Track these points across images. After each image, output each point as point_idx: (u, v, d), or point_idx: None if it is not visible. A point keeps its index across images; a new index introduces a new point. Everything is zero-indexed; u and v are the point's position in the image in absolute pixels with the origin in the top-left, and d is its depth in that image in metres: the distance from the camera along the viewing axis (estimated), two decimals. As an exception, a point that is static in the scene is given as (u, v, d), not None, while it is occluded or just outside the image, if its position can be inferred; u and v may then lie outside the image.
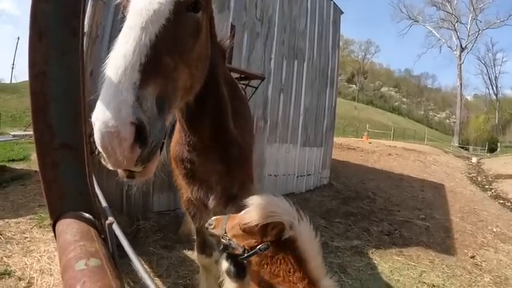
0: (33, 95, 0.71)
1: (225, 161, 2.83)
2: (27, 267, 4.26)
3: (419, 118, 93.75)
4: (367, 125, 49.01)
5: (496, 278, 5.41)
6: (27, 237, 5.22)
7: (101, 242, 0.79)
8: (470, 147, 48.59)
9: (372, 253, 5.69)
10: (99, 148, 1.18)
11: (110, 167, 1.24)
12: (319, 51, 10.22)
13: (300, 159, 9.84)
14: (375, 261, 5.37)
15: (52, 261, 4.48)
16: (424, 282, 4.82)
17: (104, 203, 1.31)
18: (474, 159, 27.74)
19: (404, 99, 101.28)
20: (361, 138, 35.73)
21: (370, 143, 29.07)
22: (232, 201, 3.12)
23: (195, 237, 3.63)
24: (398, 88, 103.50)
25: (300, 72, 9.47)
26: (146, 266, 4.60)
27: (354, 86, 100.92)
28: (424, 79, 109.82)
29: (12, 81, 40.25)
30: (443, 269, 5.49)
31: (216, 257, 3.60)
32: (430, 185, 13.62)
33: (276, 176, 8.95)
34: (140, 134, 1.21)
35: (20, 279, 4.00)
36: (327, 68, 10.72)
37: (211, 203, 3.16)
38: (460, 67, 58.29)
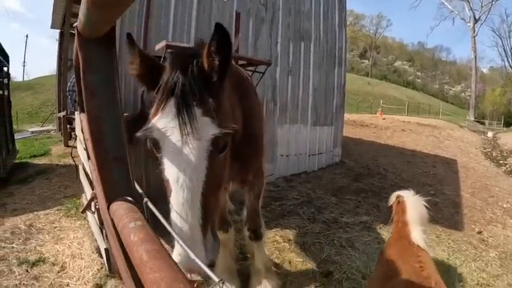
0: (92, 132, 0.98)
1: (241, 158, 3.06)
2: (59, 254, 4.59)
3: (434, 92, 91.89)
4: (381, 101, 48.46)
5: (502, 253, 5.45)
6: (56, 227, 5.60)
7: (140, 213, 1.05)
8: (486, 122, 47.64)
9: (380, 228, 5.84)
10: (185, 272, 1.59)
11: None
12: (326, 31, 10.21)
13: (311, 138, 9.97)
14: (382, 236, 5.51)
15: (82, 247, 4.81)
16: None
17: (140, 191, 1.64)
18: (490, 134, 27.16)
19: (419, 73, 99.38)
20: (375, 114, 35.40)
21: (384, 118, 28.73)
22: (248, 183, 3.67)
23: None
24: (412, 62, 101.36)
25: (307, 54, 9.53)
26: (167, 246, 4.89)
27: (366, 61, 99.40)
28: (438, 52, 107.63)
29: (25, 79, 40.49)
30: (449, 243, 5.57)
31: (232, 233, 4.01)
32: (442, 160, 13.51)
33: (287, 156, 9.13)
34: (211, 264, 1.72)
35: (53, 264, 4.35)
36: (335, 48, 10.71)
37: (230, 188, 3.66)
38: (474, 39, 56.70)
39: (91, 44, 0.99)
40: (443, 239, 5.74)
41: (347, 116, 29.71)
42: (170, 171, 1.70)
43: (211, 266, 1.70)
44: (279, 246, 5.13)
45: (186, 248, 1.56)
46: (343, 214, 6.53)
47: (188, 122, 1.64)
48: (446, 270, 4.60)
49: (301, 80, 9.42)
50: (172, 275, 0.74)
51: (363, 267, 4.53)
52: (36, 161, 10.82)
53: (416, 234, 3.26)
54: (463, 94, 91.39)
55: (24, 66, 60.28)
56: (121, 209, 0.99)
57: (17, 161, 10.43)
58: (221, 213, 3.89)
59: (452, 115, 45.22)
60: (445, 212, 7.18)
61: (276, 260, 4.74)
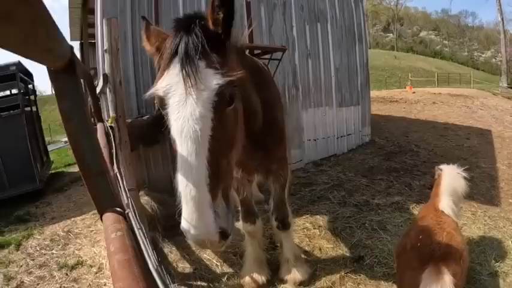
0: (75, 151, 1.01)
1: (263, 147, 3.14)
2: (96, 256, 4.74)
3: (464, 60, 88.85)
4: (410, 74, 47.32)
5: None
6: (92, 230, 5.79)
7: (123, 223, 1.03)
8: (521, 86, 45.58)
9: (413, 208, 5.66)
10: (193, 244, 1.71)
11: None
12: (342, 9, 9.94)
13: (338, 120, 9.80)
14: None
15: (118, 247, 4.97)
16: (463, 235, 4.67)
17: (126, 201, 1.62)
18: None
19: (446, 42, 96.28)
20: (405, 88, 34.58)
21: (413, 92, 28.04)
22: (273, 174, 3.70)
23: (239, 208, 3.94)
24: (437, 31, 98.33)
25: (324, 34, 9.30)
26: None
27: (391, 34, 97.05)
28: (463, 18, 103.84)
29: (53, 92, 42.03)
30: (485, 220, 5.29)
31: (259, 224, 4.00)
32: (476, 131, 12.93)
33: (315, 140, 9.04)
34: (223, 235, 1.63)
35: (91, 266, 4.52)
36: (353, 25, 10.43)
37: (255, 179, 3.83)
38: (499, 1, 54.24)
39: (59, 75, 0.99)
40: (479, 216, 5.46)
41: (376, 93, 29.29)
42: (175, 125, 1.68)
43: (223, 236, 1.64)
44: (309, 233, 5.06)
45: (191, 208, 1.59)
46: (375, 196, 6.38)
47: (192, 74, 1.65)
48: (482, 250, 4.37)
49: (322, 62, 9.23)
50: (133, 285, 0.70)
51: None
52: (71, 169, 11.22)
53: (445, 204, 3.33)
54: (494, 60, 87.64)
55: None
56: (108, 220, 1.00)
57: (52, 171, 10.83)
58: (247, 205, 3.92)
59: (484, 83, 43.54)
60: (481, 186, 6.83)
61: (306, 248, 4.69)
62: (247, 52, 5.26)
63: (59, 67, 0.96)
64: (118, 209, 1.03)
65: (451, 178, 3.55)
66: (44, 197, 8.27)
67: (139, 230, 1.35)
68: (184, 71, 1.66)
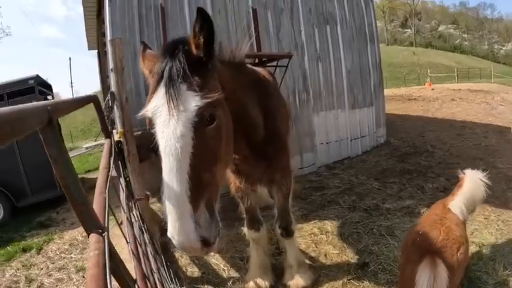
0: (63, 185, 1.18)
1: (266, 157, 3.25)
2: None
3: (484, 54, 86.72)
4: (429, 70, 46.57)
5: None
6: (110, 235, 5.98)
7: (102, 243, 1.16)
8: (544, 80, 44.40)
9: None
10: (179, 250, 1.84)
11: None
12: (351, 9, 9.93)
13: (351, 122, 9.80)
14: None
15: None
16: (473, 242, 4.51)
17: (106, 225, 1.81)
18: None
19: (465, 35, 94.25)
20: (424, 85, 34.06)
21: (433, 89, 27.60)
22: (276, 184, 3.81)
23: (244, 215, 4.11)
24: (456, 24, 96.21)
25: (334, 37, 9.32)
26: None
27: (408, 30, 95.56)
28: (482, 10, 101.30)
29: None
30: (498, 225, 5.08)
31: (264, 231, 4.11)
32: (494, 129, 12.56)
33: (328, 143, 9.07)
34: (205, 242, 1.77)
35: None
36: (363, 25, 10.40)
37: (259, 189, 3.96)
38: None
39: (44, 130, 1.16)
40: (492, 220, 5.26)
41: (394, 91, 28.97)
42: (160, 143, 1.86)
43: (205, 244, 1.78)
44: (316, 238, 5.11)
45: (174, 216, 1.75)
46: (386, 200, 6.36)
47: (174, 96, 1.82)
48: (492, 257, 4.25)
49: (332, 64, 9.25)
50: None
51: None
52: (90, 175, 11.47)
53: (455, 203, 3.39)
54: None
55: (72, 86, 63.11)
56: (91, 239, 1.14)
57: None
58: (252, 213, 4.06)
59: (506, 77, 42.49)
60: (496, 188, 6.29)
61: (312, 253, 4.75)
62: (253, 61, 5.35)
63: (42, 127, 1.11)
64: (100, 230, 1.18)
65: (472, 183, 3.61)
66: (65, 203, 8.52)
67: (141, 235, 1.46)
68: (168, 94, 1.84)
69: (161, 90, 1.89)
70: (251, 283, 4.03)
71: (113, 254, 1.23)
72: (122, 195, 2.93)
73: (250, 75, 3.29)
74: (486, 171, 6.66)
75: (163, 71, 1.91)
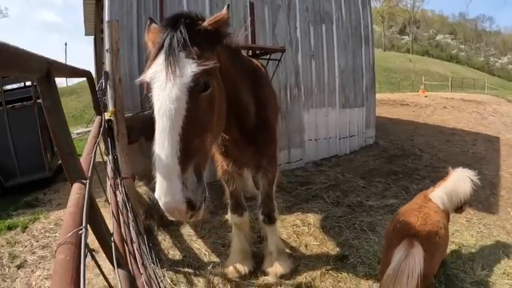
0: (53, 135, 1.30)
1: (255, 143, 3.37)
2: (95, 240, 4.93)
3: (480, 65, 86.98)
4: (423, 78, 46.83)
5: None
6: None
7: (84, 190, 1.23)
8: (537, 94, 44.83)
9: None
10: (165, 212, 1.91)
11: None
12: (348, 10, 10.01)
13: (341, 121, 9.89)
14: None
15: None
16: (453, 242, 4.66)
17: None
18: None
19: (462, 46, 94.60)
20: (417, 92, 34.28)
21: (426, 96, 27.75)
22: (262, 169, 3.92)
23: (229, 200, 4.21)
24: (454, 35, 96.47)
25: (329, 36, 9.41)
26: (191, 230, 5.21)
27: (406, 37, 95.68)
28: (480, 22, 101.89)
29: (68, 84, 42.19)
30: (479, 228, 5.25)
31: (247, 217, 4.23)
32: (483, 138, 12.76)
33: (316, 140, 9.16)
34: (190, 205, 1.86)
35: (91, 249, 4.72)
36: (359, 26, 10.48)
37: (246, 173, 4.07)
38: (519, 4, 53.21)
39: (41, 81, 1.23)
40: (474, 223, 5.43)
41: (387, 95, 29.14)
42: (156, 105, 1.95)
43: (190, 206, 1.87)
44: (298, 230, 5.20)
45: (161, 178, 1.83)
46: (370, 197, 6.48)
47: (173, 63, 1.94)
48: (471, 258, 4.38)
49: (326, 63, 9.33)
50: (73, 227, 0.88)
51: (380, 252, 4.42)
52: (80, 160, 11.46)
53: (436, 194, 3.58)
54: (510, 66, 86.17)
55: (66, 72, 62.78)
56: (74, 188, 1.20)
57: (62, 161, 11.18)
58: (236, 197, 4.17)
59: (499, 89, 42.78)
60: (480, 193, 6.59)
61: (292, 243, 4.84)
62: (246, 53, 5.43)
63: (39, 77, 1.18)
64: (83, 180, 1.25)
65: (457, 178, 3.76)
66: (52, 185, 8.56)
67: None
68: (167, 61, 1.95)
69: (161, 57, 2.00)
70: (231, 268, 4.09)
71: (93, 204, 1.31)
72: (109, 172, 3.00)
73: (246, 63, 3.41)
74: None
75: (165, 40, 2.02)
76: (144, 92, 2.12)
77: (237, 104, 2.59)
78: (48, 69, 1.21)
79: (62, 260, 0.74)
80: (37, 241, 5.42)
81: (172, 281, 3.99)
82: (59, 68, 1.57)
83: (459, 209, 3.76)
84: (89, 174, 1.37)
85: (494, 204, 6.34)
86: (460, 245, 4.69)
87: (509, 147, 11.49)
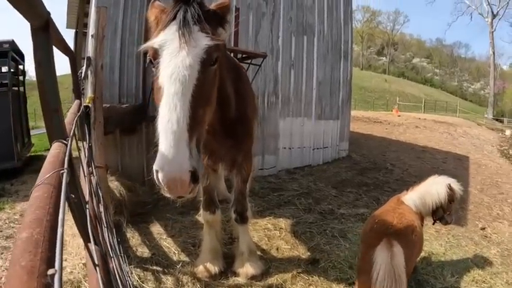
0: (40, 90, 1.21)
1: (232, 137, 3.40)
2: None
3: (453, 89, 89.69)
4: (398, 98, 47.94)
5: (504, 250, 5.25)
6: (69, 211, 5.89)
7: (64, 151, 1.20)
8: (505, 119, 46.45)
9: None
10: (164, 186, 1.85)
11: (168, 196, 1.93)
12: (330, 25, 10.22)
13: (316, 132, 10.01)
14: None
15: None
16: (423, 250, 4.62)
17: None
18: (508, 132, 26.11)
19: (437, 70, 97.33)
20: (391, 111, 35.03)
21: (399, 116, 28.33)
22: (237, 167, 3.92)
23: (201, 197, 4.14)
24: (430, 59, 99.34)
25: (310, 47, 9.56)
26: (161, 229, 5.13)
27: (384, 58, 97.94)
28: (457, 49, 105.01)
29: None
30: (448, 238, 5.42)
31: (219, 215, 4.18)
32: (453, 156, 13.25)
33: (290, 148, 9.21)
34: (194, 176, 1.83)
35: None
36: (340, 41, 10.71)
37: (220, 169, 3.97)
38: (492, 35, 54.86)
39: (37, 31, 1.22)
40: (443, 233, 5.60)
41: (362, 113, 29.59)
42: (166, 70, 1.98)
43: (193, 178, 1.84)
44: (269, 233, 5.20)
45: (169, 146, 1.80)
46: (341, 206, 6.56)
47: (186, 33, 2.00)
48: (440, 265, 4.51)
49: (304, 74, 9.47)
50: (48, 188, 0.86)
51: (351, 257, 4.49)
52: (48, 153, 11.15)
53: (409, 197, 3.68)
54: (482, 92, 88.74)
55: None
56: (54, 147, 1.18)
57: (32, 153, 10.87)
58: (209, 194, 4.13)
59: (471, 113, 44.30)
60: (452, 207, 6.95)
61: (264, 246, 4.82)
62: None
63: (37, 25, 1.17)
64: (64, 141, 1.22)
65: (431, 182, 3.86)
66: (20, 176, 8.31)
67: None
68: (180, 31, 2.00)
69: (172, 28, 2.06)
70: (201, 267, 4.02)
71: (72, 166, 1.28)
72: (83, 160, 2.95)
73: (230, 58, 3.58)
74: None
75: (177, 13, 2.08)
76: (148, 58, 2.13)
77: (220, 94, 2.61)
78: (48, 20, 1.21)
79: (39, 196, 0.73)
80: (1, 231, 5.24)
81: (140, 278, 3.90)
82: (54, 28, 1.57)
83: (442, 219, 3.83)
84: (71, 134, 1.35)
85: (462, 217, 6.57)
86: (429, 253, 4.83)
87: (477, 166, 11.95)
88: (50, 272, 0.55)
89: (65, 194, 0.74)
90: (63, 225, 0.65)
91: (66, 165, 0.87)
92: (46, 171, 0.88)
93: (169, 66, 1.96)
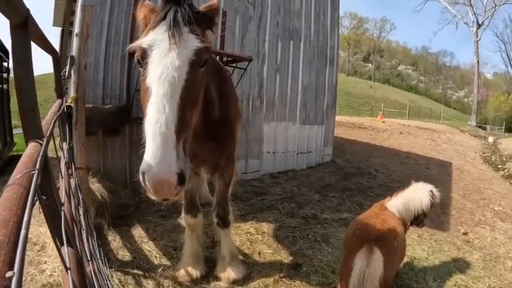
0: (17, 87, 1.19)
1: (215, 140, 3.37)
2: (41, 235, 4.74)
3: (437, 97, 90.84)
4: (382, 104, 48.44)
5: (487, 255, 5.30)
6: (41, 212, 5.76)
7: (40, 147, 1.18)
8: (488, 127, 47.34)
9: None
10: (150, 188, 1.81)
11: (154, 198, 1.90)
12: (317, 30, 10.30)
13: (300, 136, 10.05)
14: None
15: (63, 230, 5.05)
16: (406, 255, 4.59)
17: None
18: (490, 139, 26.71)
19: (422, 78, 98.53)
20: (376, 117, 35.40)
21: (383, 121, 28.75)
22: (219, 170, 3.89)
23: (183, 201, 4.12)
24: (415, 66, 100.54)
25: (296, 52, 9.61)
26: (143, 232, 5.06)
27: (370, 64, 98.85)
28: (442, 57, 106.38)
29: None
30: (430, 243, 5.46)
31: (201, 218, 4.16)
32: (436, 162, 13.43)
33: (274, 153, 9.22)
34: (181, 178, 1.81)
35: (35, 244, 4.51)
36: (326, 47, 10.80)
37: (203, 172, 4.07)
38: (477, 44, 56.30)
39: (15, 28, 1.20)
40: (425, 238, 5.65)
41: (347, 118, 29.83)
42: (155, 71, 1.96)
43: (180, 180, 1.82)
44: (252, 237, 5.18)
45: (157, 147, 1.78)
46: (324, 210, 6.56)
47: (177, 34, 1.99)
48: (422, 270, 4.54)
49: (290, 78, 9.51)
50: (22, 184, 0.85)
51: (333, 262, 4.50)
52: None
53: (392, 203, 3.73)
54: (466, 99, 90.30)
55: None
56: (29, 147, 1.15)
57: (14, 153, 10.69)
58: (191, 197, 4.09)
59: (454, 120, 45.05)
60: (432, 212, 6.97)
61: (246, 251, 4.80)
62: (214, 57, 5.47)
63: (16, 22, 1.15)
64: (39, 141, 1.20)
65: (414, 189, 3.95)
66: (2, 176, 8.15)
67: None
68: (170, 31, 1.99)
69: (162, 28, 2.04)
70: (182, 271, 3.98)
71: (48, 168, 1.26)
72: (62, 160, 2.91)
73: (215, 61, 3.56)
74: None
75: (167, 13, 2.06)
76: (136, 58, 2.10)
77: (205, 96, 2.60)
78: (27, 17, 1.19)
79: (8, 197, 0.71)
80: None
81: (120, 281, 3.84)
82: (35, 25, 1.55)
83: (420, 222, 3.91)
84: (47, 134, 1.33)
85: (445, 222, 6.64)
86: (412, 258, 4.85)
87: (460, 172, 12.11)
88: (8, 274, 0.53)
89: (33, 195, 0.73)
90: (27, 227, 0.63)
91: (37, 166, 0.85)
92: (18, 172, 0.86)
93: (159, 66, 1.95)
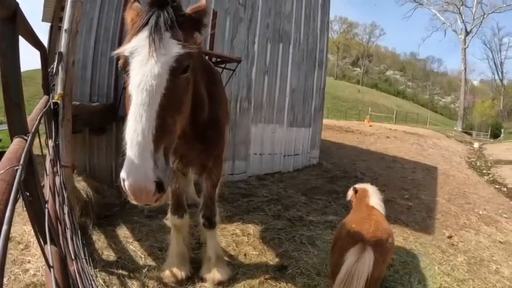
0: (3, 83, 1.17)
1: (203, 141, 3.34)
2: (25, 234, 4.68)
3: (424, 102, 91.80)
4: (370, 108, 48.80)
5: (471, 258, 5.34)
6: (25, 210, 5.68)
7: (24, 143, 1.17)
8: (474, 133, 48.05)
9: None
10: (130, 195, 1.85)
11: (136, 203, 1.93)
12: (307, 33, 10.35)
13: (287, 139, 10.07)
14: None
15: (47, 230, 4.97)
16: (391, 258, 4.71)
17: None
18: (476, 144, 27.05)
19: (410, 83, 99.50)
20: (363, 121, 35.66)
21: (371, 126, 29.01)
22: (207, 171, 3.87)
23: (169, 201, 4.08)
24: (403, 72, 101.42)
25: (285, 55, 9.64)
26: (128, 232, 5.03)
27: (358, 69, 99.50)
28: (429, 63, 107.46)
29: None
30: (415, 246, 5.50)
31: (187, 219, 4.13)
32: (422, 167, 13.54)
33: (261, 155, 9.22)
34: (159, 186, 1.84)
35: (19, 243, 4.45)
36: (315, 50, 10.86)
37: (190, 173, 4.04)
38: (465, 51, 57.27)
39: (3, 22, 1.18)
40: (410, 241, 5.69)
41: (334, 122, 30.01)
42: (134, 79, 1.95)
43: (159, 187, 1.84)
44: (238, 239, 5.17)
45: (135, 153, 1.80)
46: (310, 213, 6.57)
47: (157, 40, 1.96)
48: (408, 272, 4.57)
49: (278, 80, 9.53)
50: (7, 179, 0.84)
51: (319, 264, 4.53)
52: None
53: (375, 201, 3.96)
54: (452, 105, 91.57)
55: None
56: (14, 142, 1.14)
57: (0, 149, 10.55)
58: (178, 197, 4.06)
59: (441, 125, 45.64)
60: (417, 215, 7.17)
61: (231, 252, 4.79)
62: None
63: (4, 16, 1.14)
64: (25, 136, 1.19)
65: (374, 190, 4.29)
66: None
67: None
68: (150, 37, 1.97)
69: (144, 34, 2.02)
70: (167, 272, 3.95)
71: (33, 164, 1.24)
72: (48, 158, 2.87)
73: (205, 60, 3.55)
74: (409, 199, 7.25)
75: (150, 17, 2.03)
76: (119, 66, 2.11)
77: (194, 97, 2.59)
78: (16, 10, 1.17)
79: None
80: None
81: (105, 282, 3.80)
82: (23, 19, 1.53)
83: None
84: (33, 130, 1.31)
85: (430, 226, 6.70)
86: (397, 260, 4.86)
87: (446, 177, 12.24)
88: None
89: (17, 190, 0.72)
90: (9, 223, 0.63)
91: (22, 162, 0.84)
92: (1, 167, 0.85)
93: (138, 74, 1.95)
